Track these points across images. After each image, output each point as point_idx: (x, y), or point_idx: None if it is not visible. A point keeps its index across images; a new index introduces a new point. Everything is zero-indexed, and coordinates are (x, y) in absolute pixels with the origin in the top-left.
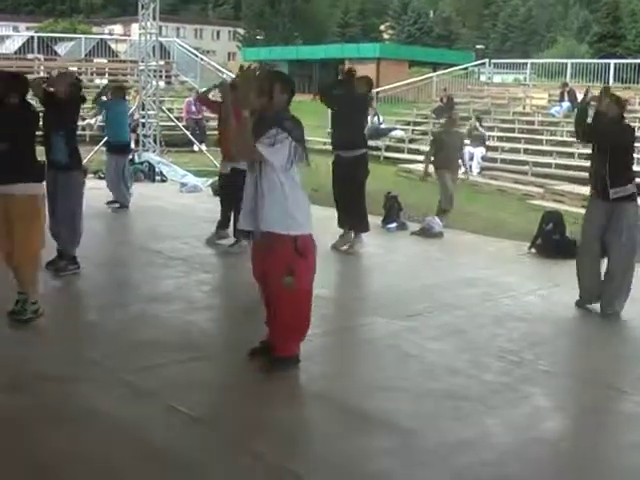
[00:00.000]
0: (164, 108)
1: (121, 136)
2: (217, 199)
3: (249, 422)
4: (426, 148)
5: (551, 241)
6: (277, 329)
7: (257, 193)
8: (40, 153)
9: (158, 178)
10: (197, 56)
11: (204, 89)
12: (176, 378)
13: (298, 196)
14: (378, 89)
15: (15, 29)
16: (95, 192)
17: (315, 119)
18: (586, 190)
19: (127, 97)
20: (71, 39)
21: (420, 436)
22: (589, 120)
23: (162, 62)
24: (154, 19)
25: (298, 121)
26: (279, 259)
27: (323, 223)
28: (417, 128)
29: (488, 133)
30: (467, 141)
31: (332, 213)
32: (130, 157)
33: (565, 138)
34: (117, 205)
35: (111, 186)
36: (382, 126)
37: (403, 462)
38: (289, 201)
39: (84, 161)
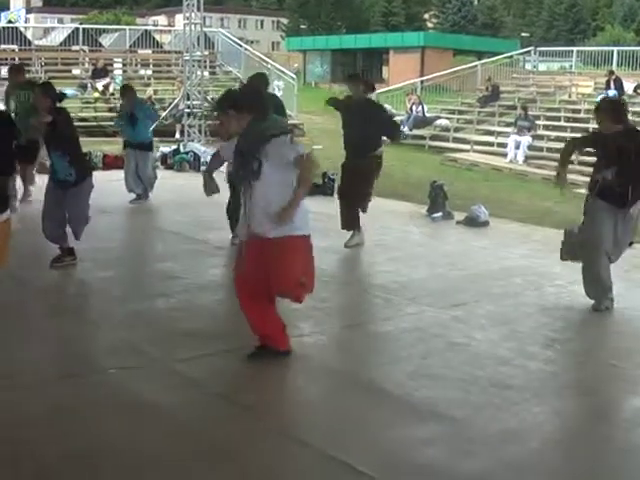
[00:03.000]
0: (209, 98)
1: (141, 136)
2: None
3: (295, 411)
4: (471, 137)
5: None
6: (279, 324)
7: (261, 201)
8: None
9: (203, 168)
10: (241, 46)
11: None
12: (223, 367)
13: None
14: (422, 78)
15: (60, 21)
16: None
17: None
18: None
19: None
20: (115, 30)
21: (466, 425)
22: None
23: (206, 52)
24: (198, 10)
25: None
26: (297, 261)
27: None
28: (462, 117)
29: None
30: (513, 129)
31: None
32: (175, 147)
33: None
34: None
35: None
36: (427, 115)
37: (449, 451)
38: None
39: None
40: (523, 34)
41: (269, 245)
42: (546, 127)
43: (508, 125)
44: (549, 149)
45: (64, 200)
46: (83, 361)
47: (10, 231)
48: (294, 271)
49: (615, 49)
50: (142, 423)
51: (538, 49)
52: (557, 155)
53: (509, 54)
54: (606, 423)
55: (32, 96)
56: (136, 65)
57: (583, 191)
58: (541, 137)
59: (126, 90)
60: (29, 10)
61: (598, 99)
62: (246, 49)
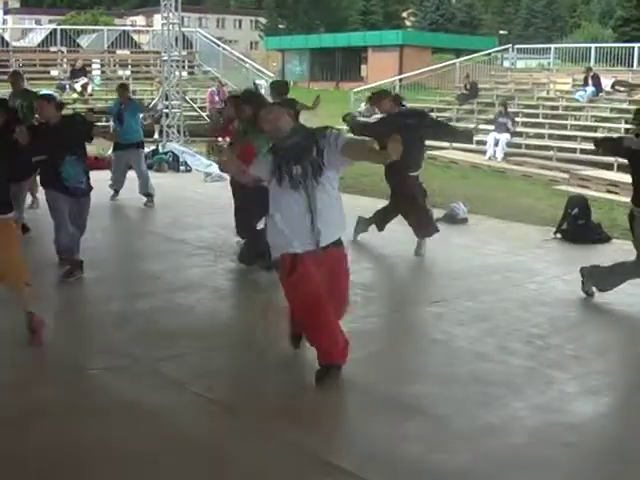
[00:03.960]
0: (187, 98)
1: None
2: None
3: (278, 409)
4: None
5: (576, 226)
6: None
7: (313, 206)
8: None
9: (182, 168)
10: (219, 46)
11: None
12: (204, 366)
13: None
14: (401, 76)
15: (38, 22)
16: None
17: (336, 107)
18: (611, 175)
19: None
20: (93, 31)
21: (448, 421)
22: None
23: (185, 52)
24: (176, 10)
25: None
26: (346, 265)
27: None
28: (441, 115)
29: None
30: (492, 127)
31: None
32: (154, 147)
33: (590, 123)
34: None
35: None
36: None
37: (431, 447)
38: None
39: None
40: (501, 32)
41: (335, 256)
42: (524, 124)
43: (487, 122)
44: (528, 146)
45: (71, 209)
46: (65, 361)
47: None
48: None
49: (593, 46)
50: (125, 423)
51: (516, 46)
52: (536, 152)
53: (487, 52)
54: (586, 417)
55: (33, 104)
56: (114, 65)
57: (562, 187)
58: (520, 134)
59: (122, 88)
60: (7, 11)
61: (576, 95)
62: (224, 49)
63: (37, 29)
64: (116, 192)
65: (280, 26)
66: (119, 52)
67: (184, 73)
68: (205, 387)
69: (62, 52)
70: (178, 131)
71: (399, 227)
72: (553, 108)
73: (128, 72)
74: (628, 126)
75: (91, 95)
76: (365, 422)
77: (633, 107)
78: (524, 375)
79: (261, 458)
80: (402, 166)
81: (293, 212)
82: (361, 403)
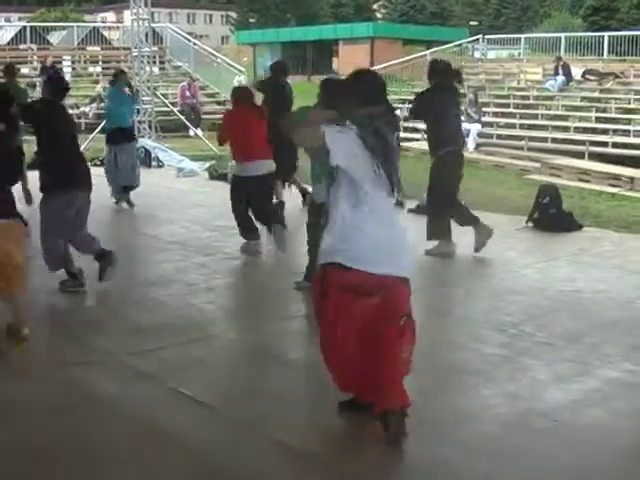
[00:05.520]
0: (158, 94)
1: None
2: (214, 183)
3: (251, 402)
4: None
5: (548, 215)
6: (392, 375)
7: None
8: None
9: (155, 164)
10: (190, 41)
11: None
12: (177, 360)
13: None
14: (372, 68)
15: (7, 20)
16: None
17: (308, 100)
18: (582, 164)
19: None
20: (64, 28)
21: (422, 409)
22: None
23: (155, 48)
24: (146, 5)
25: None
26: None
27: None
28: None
29: (483, 109)
30: (463, 117)
31: None
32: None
33: (560, 112)
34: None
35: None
36: None
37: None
38: None
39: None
40: (472, 22)
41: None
42: (495, 114)
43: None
44: (499, 136)
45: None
46: (37, 356)
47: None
48: None
49: (563, 35)
50: (96, 418)
51: (486, 37)
52: (507, 142)
53: (458, 43)
54: (559, 403)
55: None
56: (85, 62)
57: (534, 177)
58: (491, 124)
59: (122, 74)
60: None
61: (546, 85)
62: (195, 44)
63: (7, 27)
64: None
65: (251, 20)
66: (89, 48)
67: (155, 69)
68: (179, 381)
69: (32, 49)
70: (150, 127)
71: None
72: (524, 98)
73: (99, 68)
74: (599, 115)
75: None
76: (334, 410)
77: (603, 96)
78: (497, 363)
79: (233, 450)
80: None
81: None
82: (332, 390)
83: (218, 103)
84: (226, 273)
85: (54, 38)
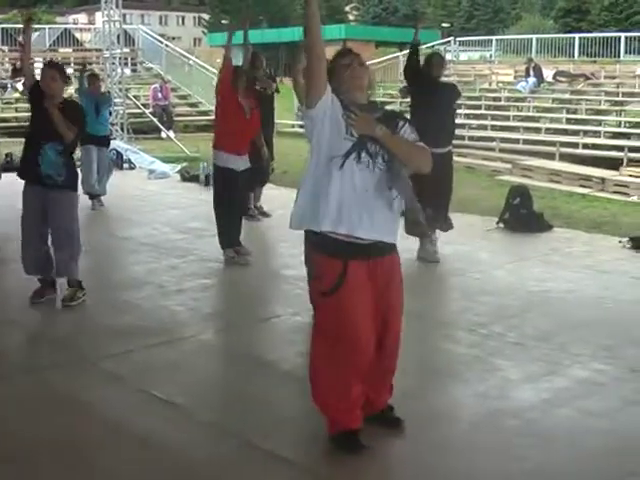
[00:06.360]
0: (130, 95)
1: (104, 129)
2: (186, 185)
3: (224, 404)
4: None
5: (519, 215)
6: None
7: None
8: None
9: (126, 166)
10: (162, 43)
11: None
12: (150, 363)
13: None
14: None
15: None
16: None
17: (283, 102)
18: (553, 165)
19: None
20: (35, 29)
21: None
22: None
23: (127, 49)
24: (117, 7)
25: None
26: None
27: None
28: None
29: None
30: None
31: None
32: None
33: (532, 113)
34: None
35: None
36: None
37: (376, 434)
38: None
39: None
40: (444, 24)
41: (394, 266)
42: (467, 116)
43: None
44: (470, 137)
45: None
46: (7, 357)
47: None
48: None
49: (534, 37)
50: (68, 420)
51: (458, 39)
52: (479, 143)
53: (430, 45)
54: (529, 403)
55: None
56: None
57: (505, 178)
58: (462, 126)
59: (94, 78)
60: None
61: (518, 86)
62: (167, 45)
63: None
64: (98, 196)
65: (223, 22)
66: (61, 50)
67: (127, 70)
68: (150, 383)
69: (3, 51)
70: (122, 129)
71: None
72: (495, 99)
73: (71, 70)
74: (570, 116)
75: None
76: (309, 410)
77: (574, 97)
78: (468, 363)
79: (206, 451)
80: None
81: None
82: (304, 393)
83: (190, 105)
84: (198, 275)
85: None
